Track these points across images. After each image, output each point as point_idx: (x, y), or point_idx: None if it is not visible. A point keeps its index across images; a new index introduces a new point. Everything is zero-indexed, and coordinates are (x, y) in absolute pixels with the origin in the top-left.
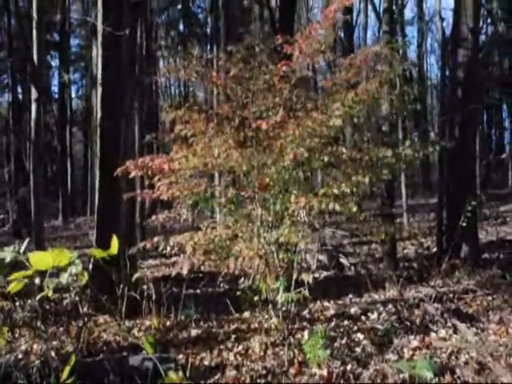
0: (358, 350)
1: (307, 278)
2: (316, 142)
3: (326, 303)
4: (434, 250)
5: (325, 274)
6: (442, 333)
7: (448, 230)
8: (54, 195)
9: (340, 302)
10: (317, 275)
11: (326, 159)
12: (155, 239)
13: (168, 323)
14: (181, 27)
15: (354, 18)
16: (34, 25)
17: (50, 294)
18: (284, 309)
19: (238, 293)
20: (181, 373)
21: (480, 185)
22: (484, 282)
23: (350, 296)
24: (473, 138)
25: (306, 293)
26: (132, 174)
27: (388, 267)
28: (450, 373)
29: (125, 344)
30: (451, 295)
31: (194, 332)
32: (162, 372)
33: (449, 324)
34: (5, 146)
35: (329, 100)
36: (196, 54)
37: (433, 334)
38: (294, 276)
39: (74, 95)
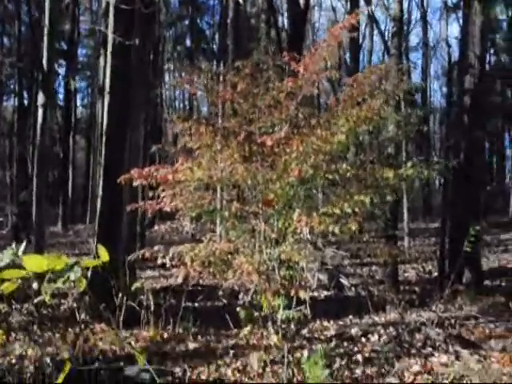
0: (359, 371)
1: (304, 295)
2: (320, 158)
3: (325, 323)
4: (435, 274)
5: (325, 293)
6: (444, 358)
7: (451, 255)
8: (54, 201)
9: (340, 323)
10: (316, 294)
11: (330, 177)
12: (155, 248)
13: (166, 335)
14: (188, 42)
15: (360, 41)
16: (46, 31)
17: (47, 298)
18: (284, 326)
19: (238, 308)
20: None
21: (482, 212)
22: (486, 309)
23: (350, 317)
24: (480, 165)
25: (307, 311)
26: (136, 183)
27: (389, 289)
28: None
29: (121, 354)
30: (453, 321)
31: (191, 345)
32: None
33: (451, 350)
34: (8, 149)
35: (333, 117)
36: (204, 68)
37: (434, 360)
38: (293, 294)
39: (79, 103)
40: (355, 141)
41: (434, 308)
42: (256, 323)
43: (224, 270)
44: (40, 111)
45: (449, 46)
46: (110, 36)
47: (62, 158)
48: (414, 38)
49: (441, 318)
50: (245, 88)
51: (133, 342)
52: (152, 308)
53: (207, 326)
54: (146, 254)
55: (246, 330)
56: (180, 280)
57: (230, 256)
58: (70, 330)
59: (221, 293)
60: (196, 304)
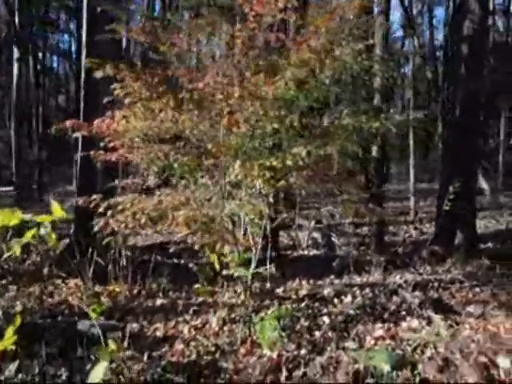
0: (318, 334)
1: (227, 251)
2: (259, 106)
3: (304, 282)
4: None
5: (315, 252)
6: (415, 323)
7: (446, 215)
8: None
9: (319, 282)
10: (306, 253)
11: (275, 126)
12: (93, 196)
13: (135, 291)
14: None
15: None
16: None
17: (17, 252)
18: (255, 285)
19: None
20: (126, 342)
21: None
22: (475, 273)
23: (332, 277)
24: (477, 115)
25: (273, 269)
26: (76, 135)
27: (375, 250)
28: (410, 368)
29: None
30: (436, 284)
31: (159, 302)
32: (102, 339)
33: (425, 314)
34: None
35: (278, 61)
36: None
37: (404, 324)
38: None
39: None
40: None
41: (420, 270)
42: (215, 281)
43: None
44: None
45: None
46: None
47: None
48: None
49: (424, 281)
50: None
51: (103, 298)
52: (124, 264)
53: (182, 283)
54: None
55: (197, 286)
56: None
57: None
58: (35, 284)
59: (173, 248)
60: (177, 261)
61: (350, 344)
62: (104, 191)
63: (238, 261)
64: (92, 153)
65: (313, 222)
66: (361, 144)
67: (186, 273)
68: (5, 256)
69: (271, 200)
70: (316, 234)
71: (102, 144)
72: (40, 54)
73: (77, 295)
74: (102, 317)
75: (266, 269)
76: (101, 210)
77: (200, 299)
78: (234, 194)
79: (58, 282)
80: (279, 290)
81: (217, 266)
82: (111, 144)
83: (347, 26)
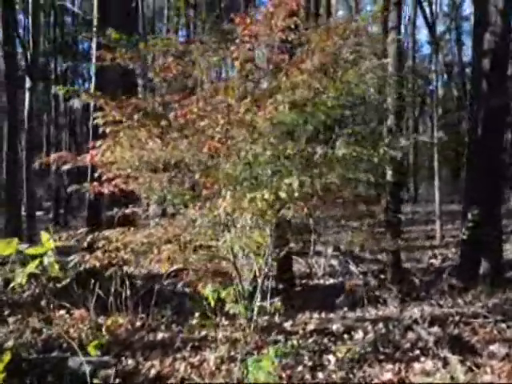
0: (322, 375)
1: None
2: (249, 135)
3: (315, 314)
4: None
5: (331, 281)
6: (429, 365)
7: (470, 242)
8: None
9: (331, 315)
10: (321, 282)
11: (268, 153)
12: (79, 231)
13: (138, 323)
14: None
15: None
16: None
17: (23, 281)
18: (260, 320)
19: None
20: (117, 380)
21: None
22: (501, 306)
23: (345, 309)
24: (500, 133)
25: (279, 303)
26: (66, 167)
27: (391, 280)
28: None
29: (87, 342)
30: (457, 318)
31: (160, 335)
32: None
33: (441, 354)
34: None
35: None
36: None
37: (417, 366)
38: (260, 282)
39: None
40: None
41: (441, 302)
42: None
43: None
44: None
45: None
46: None
47: None
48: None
49: (444, 314)
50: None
51: (104, 331)
52: (128, 294)
53: (188, 315)
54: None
55: (195, 322)
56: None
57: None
58: (35, 316)
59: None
60: (185, 290)
61: None
62: (106, 222)
63: (233, 296)
64: (85, 185)
65: (330, 249)
66: (367, 170)
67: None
68: (10, 286)
69: (268, 232)
70: (334, 262)
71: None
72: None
73: (78, 327)
74: (99, 352)
75: (273, 302)
76: (84, 244)
77: (203, 333)
78: (229, 224)
79: (63, 312)
80: (287, 324)
81: (211, 302)
82: (105, 175)
83: (346, 45)
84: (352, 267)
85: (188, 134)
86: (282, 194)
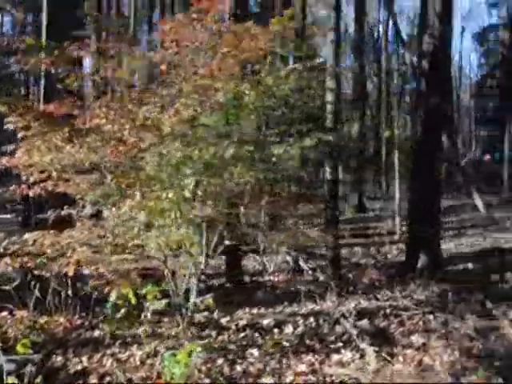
0: (240, 368)
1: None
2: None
3: (254, 310)
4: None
5: (281, 277)
6: (347, 356)
7: (410, 238)
8: None
9: (270, 310)
10: (271, 278)
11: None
12: None
13: (79, 321)
14: None
15: None
16: None
17: None
18: (200, 316)
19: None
20: (39, 377)
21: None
22: (432, 299)
23: (285, 303)
24: (437, 132)
25: (210, 300)
26: None
27: (332, 276)
28: None
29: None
30: (388, 311)
31: (96, 333)
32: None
33: (361, 346)
34: None
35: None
36: None
37: (335, 357)
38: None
39: None
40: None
41: (379, 296)
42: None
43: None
44: None
45: None
46: None
47: None
48: None
49: (378, 308)
50: None
51: (43, 329)
52: (70, 294)
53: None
54: None
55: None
56: None
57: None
58: None
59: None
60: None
61: (266, 380)
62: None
63: (158, 293)
64: (12, 188)
65: (284, 246)
66: (271, 170)
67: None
68: None
69: (192, 230)
70: (289, 258)
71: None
72: None
73: (17, 327)
74: (31, 350)
75: (204, 298)
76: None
77: (142, 328)
78: (150, 225)
79: (5, 313)
80: (224, 320)
81: (132, 300)
82: (31, 178)
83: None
84: (302, 263)
85: (98, 138)
86: (187, 194)
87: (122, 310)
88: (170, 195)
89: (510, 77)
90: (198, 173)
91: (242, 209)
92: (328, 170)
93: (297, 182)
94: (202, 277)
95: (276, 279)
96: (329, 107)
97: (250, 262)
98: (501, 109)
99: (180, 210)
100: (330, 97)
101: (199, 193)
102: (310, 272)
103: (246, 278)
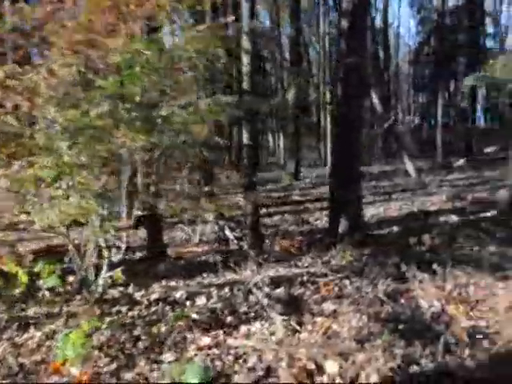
0: (142, 345)
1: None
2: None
3: (172, 283)
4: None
5: (205, 248)
6: (256, 327)
7: (332, 204)
8: None
9: (188, 282)
10: (196, 249)
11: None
12: None
13: None
14: None
15: None
16: None
17: None
18: (112, 291)
19: None
20: None
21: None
22: (351, 264)
23: (204, 275)
24: (357, 93)
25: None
26: None
27: (251, 244)
28: (223, 381)
29: None
30: (306, 278)
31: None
32: None
33: (271, 316)
34: None
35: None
36: None
37: (243, 329)
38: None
39: None
40: None
41: (300, 263)
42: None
43: None
44: None
45: None
46: None
47: None
48: None
49: (295, 275)
50: None
51: None
52: None
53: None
54: None
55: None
56: None
57: None
58: None
59: None
60: None
61: (167, 356)
62: None
63: (49, 270)
64: None
65: (212, 215)
66: (161, 132)
67: None
68: None
69: (94, 201)
70: (216, 227)
71: None
72: None
73: None
74: None
75: (112, 274)
76: None
77: (33, 310)
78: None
79: None
80: (138, 294)
81: (23, 279)
82: None
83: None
84: (227, 232)
85: None
86: (65, 158)
87: (17, 290)
88: (45, 162)
89: (443, 44)
90: (74, 136)
91: (138, 176)
92: (245, 134)
93: (209, 148)
94: (122, 251)
95: (200, 250)
96: (244, 69)
97: (177, 234)
98: (435, 76)
99: (61, 178)
100: (245, 58)
101: (83, 159)
102: (235, 241)
103: (169, 251)
